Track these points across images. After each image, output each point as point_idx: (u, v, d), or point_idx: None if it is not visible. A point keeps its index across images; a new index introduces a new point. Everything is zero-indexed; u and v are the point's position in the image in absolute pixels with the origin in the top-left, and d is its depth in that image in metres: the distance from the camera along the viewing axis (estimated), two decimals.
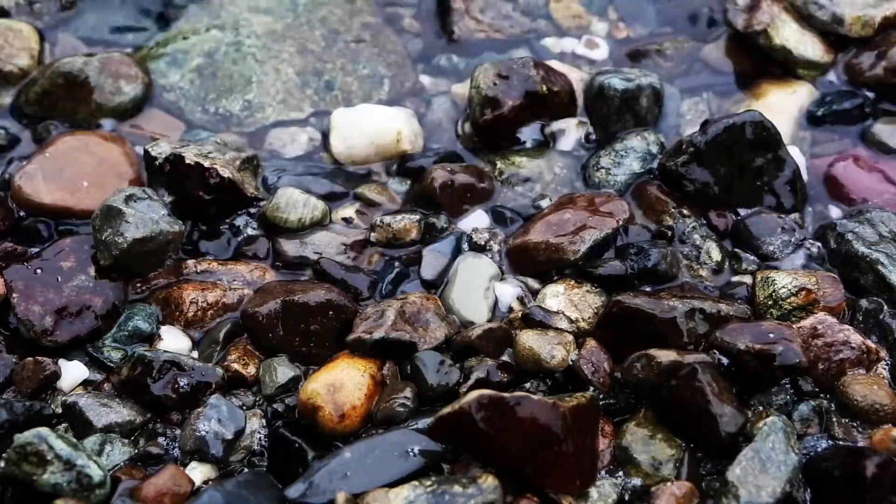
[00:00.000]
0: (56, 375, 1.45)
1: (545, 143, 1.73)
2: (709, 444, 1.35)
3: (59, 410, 1.42)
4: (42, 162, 1.64)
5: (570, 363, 1.43)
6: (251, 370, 1.46)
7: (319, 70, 1.81)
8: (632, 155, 1.68)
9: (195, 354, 1.49)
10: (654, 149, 1.69)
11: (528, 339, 1.43)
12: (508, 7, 1.90)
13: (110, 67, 1.75)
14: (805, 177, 1.67)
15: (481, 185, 1.67)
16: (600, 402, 1.41)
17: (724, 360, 1.39)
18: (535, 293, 1.54)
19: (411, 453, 1.30)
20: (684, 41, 1.87)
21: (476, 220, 1.64)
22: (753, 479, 1.28)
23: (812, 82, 1.80)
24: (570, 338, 1.44)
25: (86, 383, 1.46)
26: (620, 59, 1.86)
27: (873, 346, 1.45)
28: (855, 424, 1.41)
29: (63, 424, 1.41)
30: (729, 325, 1.40)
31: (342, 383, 1.40)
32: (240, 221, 1.62)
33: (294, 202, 1.62)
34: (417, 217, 1.63)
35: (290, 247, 1.60)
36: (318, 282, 1.54)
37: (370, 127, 1.72)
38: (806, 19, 1.81)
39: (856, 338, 1.44)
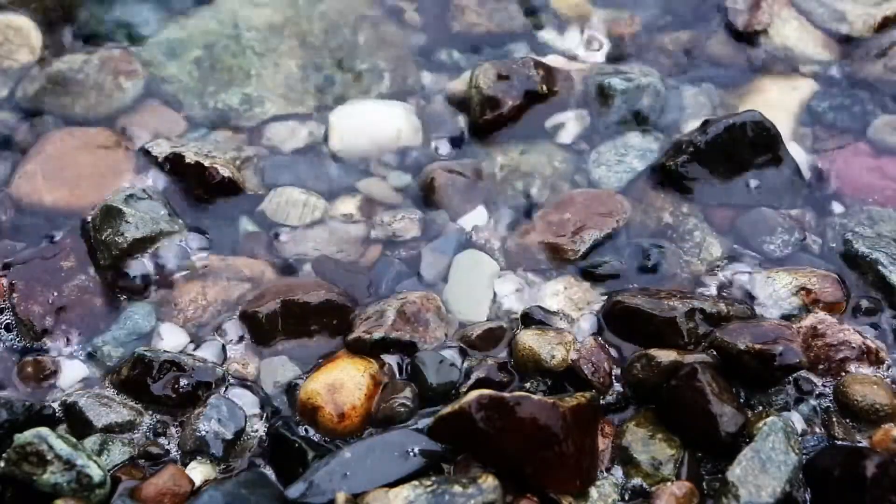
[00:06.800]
0: (56, 375, 1.44)
1: (545, 140, 1.72)
2: (709, 444, 1.35)
3: (59, 410, 1.42)
4: (42, 161, 1.64)
5: (571, 362, 1.43)
6: (251, 370, 1.46)
7: (319, 64, 1.80)
8: (632, 153, 1.68)
9: (195, 353, 1.49)
10: (655, 147, 1.69)
11: (528, 339, 1.43)
12: None
13: (110, 64, 1.74)
14: (805, 174, 1.67)
15: (481, 182, 1.67)
16: (600, 402, 1.41)
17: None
18: (534, 290, 1.54)
19: (411, 453, 1.30)
20: (685, 35, 1.87)
21: (476, 218, 1.64)
22: (753, 479, 1.28)
23: (813, 80, 1.80)
24: (570, 338, 1.44)
25: (85, 382, 1.46)
26: (621, 53, 1.85)
27: (873, 346, 1.45)
28: (855, 425, 1.41)
29: (63, 424, 1.41)
30: (729, 325, 1.40)
31: (342, 383, 1.40)
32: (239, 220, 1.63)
33: (293, 200, 1.62)
34: (417, 214, 1.62)
35: (289, 245, 1.60)
36: (318, 281, 1.54)
37: (370, 123, 1.71)
38: (807, 17, 1.81)
39: (856, 338, 1.44)
